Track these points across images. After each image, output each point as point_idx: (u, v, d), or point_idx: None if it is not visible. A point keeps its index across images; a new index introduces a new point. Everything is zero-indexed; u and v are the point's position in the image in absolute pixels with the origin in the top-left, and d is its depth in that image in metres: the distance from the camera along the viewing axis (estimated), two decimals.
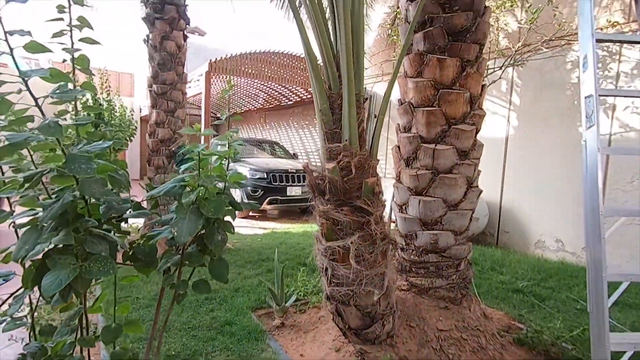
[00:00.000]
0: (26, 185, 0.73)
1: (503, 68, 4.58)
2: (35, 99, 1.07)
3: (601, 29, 4.30)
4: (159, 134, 4.88)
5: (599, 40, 1.96)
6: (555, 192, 4.87)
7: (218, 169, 1.02)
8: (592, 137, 1.81)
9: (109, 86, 6.55)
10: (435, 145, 2.39)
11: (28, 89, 1.09)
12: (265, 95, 10.86)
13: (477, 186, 2.56)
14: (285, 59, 7.77)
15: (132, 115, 6.70)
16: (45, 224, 0.70)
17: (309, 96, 9.63)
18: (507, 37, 4.73)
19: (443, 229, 2.45)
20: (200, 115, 7.62)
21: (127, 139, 5.55)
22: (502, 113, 5.49)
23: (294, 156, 9.63)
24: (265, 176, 7.16)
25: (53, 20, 1.15)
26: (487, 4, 2.52)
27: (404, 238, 2.61)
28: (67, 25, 1.16)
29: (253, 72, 7.51)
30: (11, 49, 0.89)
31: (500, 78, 4.74)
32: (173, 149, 4.91)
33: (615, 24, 4.24)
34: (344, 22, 1.92)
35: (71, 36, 1.42)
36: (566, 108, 4.74)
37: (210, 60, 6.84)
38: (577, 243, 4.64)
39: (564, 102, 4.78)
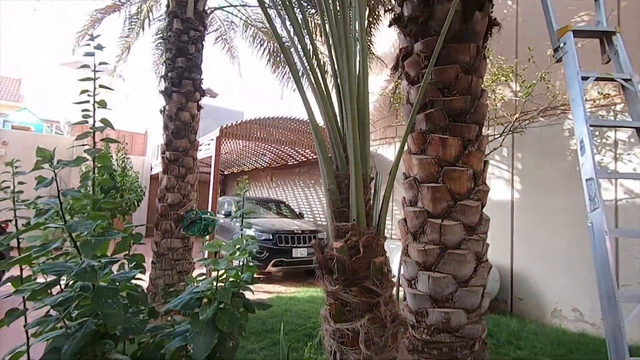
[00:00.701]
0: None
1: (503, 136, 4.75)
2: (59, 193, 1.14)
3: (593, 101, 4.51)
4: (169, 199, 4.98)
5: (592, 125, 2.07)
6: (567, 257, 4.76)
7: (236, 276, 1.05)
8: (598, 220, 1.83)
9: (125, 153, 6.83)
10: (442, 221, 2.41)
11: (56, 183, 1.18)
12: (273, 155, 11.20)
13: (487, 261, 2.54)
14: (292, 124, 8.14)
15: (141, 184, 6.88)
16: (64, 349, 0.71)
17: (315, 157, 9.91)
18: (504, 106, 4.97)
19: (454, 306, 2.38)
20: (209, 173, 7.83)
21: (136, 203, 5.66)
22: (506, 177, 5.57)
23: (300, 215, 9.66)
24: (271, 237, 7.12)
25: (80, 102, 1.29)
26: (484, 81, 2.70)
27: (415, 315, 2.53)
28: (91, 104, 1.33)
29: (262, 136, 7.84)
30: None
31: (501, 145, 4.90)
32: (181, 213, 4.98)
33: (607, 95, 4.46)
34: (351, 111, 2.06)
35: (94, 115, 1.58)
36: (569, 174, 4.82)
37: (222, 126, 7.19)
38: (595, 313, 4.43)
39: (566, 168, 4.87)
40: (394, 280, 2.28)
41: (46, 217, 0.93)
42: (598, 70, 2.20)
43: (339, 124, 2.23)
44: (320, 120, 2.26)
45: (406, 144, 2.71)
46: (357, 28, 2.43)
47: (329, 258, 2.11)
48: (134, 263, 1.18)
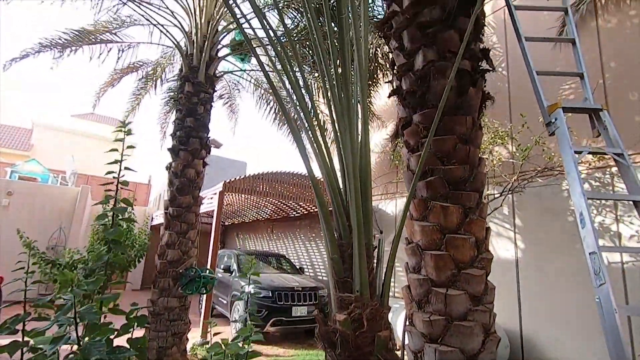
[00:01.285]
0: None
1: (503, 196, 4.81)
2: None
3: (589, 164, 4.63)
4: (169, 255, 4.93)
5: (590, 198, 2.12)
6: (577, 319, 4.58)
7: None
8: (606, 296, 1.80)
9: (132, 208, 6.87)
10: (447, 290, 2.38)
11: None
12: (274, 207, 11.24)
13: (495, 332, 2.45)
14: (295, 178, 8.28)
15: (144, 240, 6.87)
16: None
17: (316, 210, 9.94)
18: (502, 167, 5.09)
19: None
20: (210, 224, 7.81)
21: (136, 260, 5.60)
22: (508, 235, 5.55)
23: (300, 270, 9.45)
24: (270, 295, 6.91)
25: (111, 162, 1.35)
26: (481, 142, 2.81)
27: None
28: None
29: (264, 190, 7.94)
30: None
31: (501, 205, 4.94)
32: (180, 270, 4.89)
33: (601, 157, 4.59)
34: (354, 181, 2.13)
35: (119, 178, 1.65)
36: (571, 234, 4.80)
37: (225, 181, 7.32)
38: None
39: (568, 228, 4.87)
40: (399, 353, 2.19)
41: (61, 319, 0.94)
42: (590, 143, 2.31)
43: (342, 192, 2.29)
44: (320, 175, 2.33)
45: (408, 210, 2.75)
46: (358, 92, 2.60)
47: (331, 331, 2.05)
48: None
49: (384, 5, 4.12)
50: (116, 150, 1.71)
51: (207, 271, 4.97)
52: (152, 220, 13.98)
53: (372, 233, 2.25)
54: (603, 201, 4.54)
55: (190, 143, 5.30)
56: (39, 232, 10.41)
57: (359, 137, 2.31)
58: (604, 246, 2.16)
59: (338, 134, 2.29)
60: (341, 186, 2.33)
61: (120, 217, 1.71)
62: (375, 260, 2.37)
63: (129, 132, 1.56)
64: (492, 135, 4.81)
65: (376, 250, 2.51)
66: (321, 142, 2.55)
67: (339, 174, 2.35)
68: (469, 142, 2.63)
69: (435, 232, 2.51)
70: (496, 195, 4.95)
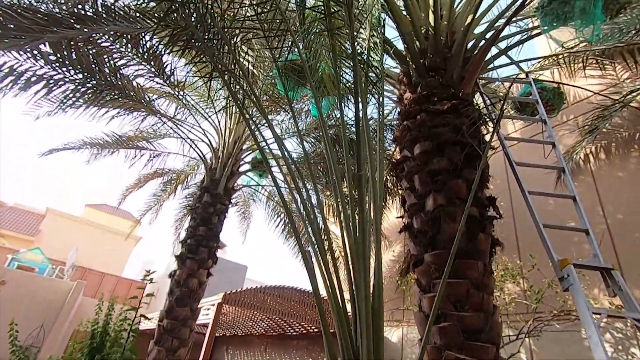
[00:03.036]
0: None
1: (520, 340, 4.49)
2: None
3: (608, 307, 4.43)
4: None
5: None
6: None
7: None
8: None
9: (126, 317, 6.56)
10: None
11: None
12: (271, 322, 10.51)
13: None
14: (299, 295, 7.96)
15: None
16: None
17: (316, 330, 9.24)
18: (515, 305, 4.89)
19: None
20: (203, 334, 7.21)
21: None
22: None
23: None
24: None
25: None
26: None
27: None
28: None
29: (266, 306, 7.57)
30: None
31: (518, 351, 4.58)
32: None
33: (620, 307, 4.40)
34: (365, 305, 2.07)
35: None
36: None
37: (225, 292, 7.07)
38: None
39: None
40: None
41: None
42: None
43: (348, 317, 2.19)
44: (325, 293, 2.24)
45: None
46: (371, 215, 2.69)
47: None
48: None
49: (396, 148, 4.59)
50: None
51: None
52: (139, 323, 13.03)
53: None
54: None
55: (199, 252, 5.32)
56: (22, 326, 9.71)
57: (372, 279, 2.33)
58: None
59: (348, 252, 2.32)
60: (349, 310, 2.24)
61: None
62: None
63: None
64: (503, 273, 4.75)
65: None
66: (329, 260, 2.57)
67: (346, 296, 2.28)
68: (481, 288, 2.61)
69: None
70: (512, 338, 4.62)
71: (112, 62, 4.97)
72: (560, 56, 4.56)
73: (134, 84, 5.49)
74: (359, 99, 2.83)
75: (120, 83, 5.15)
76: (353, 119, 3.27)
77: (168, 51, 4.83)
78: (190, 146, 6.42)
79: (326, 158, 3.90)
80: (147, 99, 5.53)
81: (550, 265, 3.90)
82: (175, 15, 3.05)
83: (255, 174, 6.92)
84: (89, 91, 4.78)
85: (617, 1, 2.99)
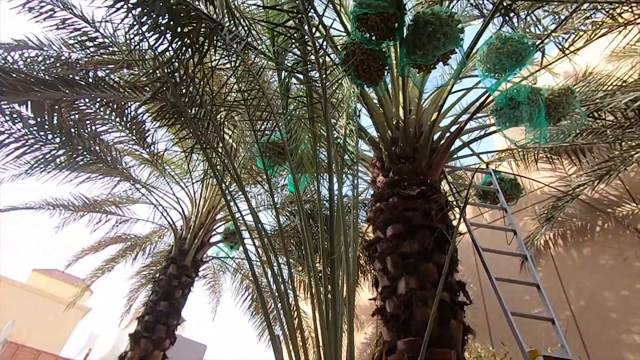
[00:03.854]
0: None
1: None
2: None
3: None
4: None
5: None
6: None
7: None
8: None
9: None
10: None
11: None
12: None
13: None
14: None
15: None
16: None
17: None
18: None
19: None
20: None
21: None
22: None
23: None
24: None
25: None
26: None
27: None
28: None
29: None
30: None
31: None
32: None
33: None
34: None
35: None
36: None
37: None
38: None
39: None
40: None
41: None
42: None
43: None
44: None
45: None
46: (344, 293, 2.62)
47: None
48: None
49: (368, 226, 4.71)
50: None
51: None
52: None
53: None
54: None
55: (156, 330, 4.88)
56: None
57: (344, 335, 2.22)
58: None
59: (319, 334, 2.21)
60: None
61: None
62: None
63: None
64: None
65: None
66: (299, 341, 2.43)
67: None
68: None
69: None
70: None
71: (93, 127, 5.04)
72: (515, 150, 5.08)
73: (112, 150, 5.52)
74: (334, 180, 2.99)
75: (98, 148, 5.16)
76: (328, 196, 3.42)
77: (156, 124, 4.98)
78: (162, 214, 6.28)
79: (301, 233, 3.93)
80: (124, 165, 5.53)
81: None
82: (166, 92, 3.24)
83: (226, 245, 6.74)
84: (63, 155, 4.73)
85: (557, 111, 3.47)
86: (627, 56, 5.16)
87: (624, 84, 4.23)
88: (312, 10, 2.55)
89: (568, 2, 3.10)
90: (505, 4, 3.23)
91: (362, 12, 2.86)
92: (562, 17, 3.50)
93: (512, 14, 3.36)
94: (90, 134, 5.01)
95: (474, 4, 3.33)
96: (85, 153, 4.80)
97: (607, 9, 3.17)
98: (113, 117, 5.08)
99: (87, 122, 4.95)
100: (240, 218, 5.67)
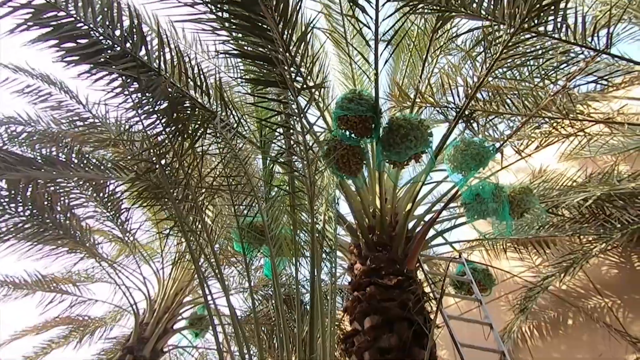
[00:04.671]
0: None
1: None
2: None
3: None
4: None
5: None
6: None
7: None
8: None
9: None
10: None
11: None
12: None
13: None
14: None
15: None
16: None
17: None
18: None
19: None
20: None
21: None
22: None
23: None
24: None
25: None
26: None
27: None
28: None
29: None
30: None
31: None
32: None
33: None
34: None
35: None
36: None
37: None
38: None
39: None
40: None
41: None
42: None
43: None
44: None
45: None
46: None
47: None
48: None
49: (344, 314, 4.58)
50: None
51: None
52: None
53: None
54: None
55: None
56: None
57: None
58: None
59: None
60: None
61: None
62: None
63: None
64: None
65: None
66: None
67: None
68: None
69: None
70: None
71: (67, 200, 4.92)
72: (485, 240, 5.31)
73: (83, 224, 5.33)
74: (315, 269, 3.00)
75: (68, 223, 4.98)
76: (304, 279, 3.37)
77: (133, 202, 4.95)
78: (124, 294, 5.85)
79: (275, 319, 3.73)
80: (92, 241, 5.29)
81: None
82: (151, 173, 3.31)
83: (191, 332, 6.23)
84: (30, 229, 4.53)
85: (519, 206, 3.78)
86: (574, 158, 5.82)
87: (574, 183, 4.71)
88: (298, 115, 2.83)
89: (518, 115, 3.59)
90: (466, 113, 3.71)
91: (343, 114, 3.20)
92: (516, 126, 4.02)
93: (472, 121, 3.84)
94: (63, 207, 4.88)
95: (440, 111, 3.80)
96: (54, 228, 4.61)
97: (551, 123, 3.69)
98: (89, 193, 5.02)
99: (62, 194, 4.85)
100: (211, 301, 5.39)
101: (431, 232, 4.36)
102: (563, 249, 5.17)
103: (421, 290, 3.41)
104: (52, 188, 4.66)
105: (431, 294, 3.62)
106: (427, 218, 4.30)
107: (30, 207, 4.40)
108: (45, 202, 4.57)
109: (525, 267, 5.93)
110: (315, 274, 2.99)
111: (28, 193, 4.27)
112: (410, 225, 4.23)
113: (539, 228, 4.88)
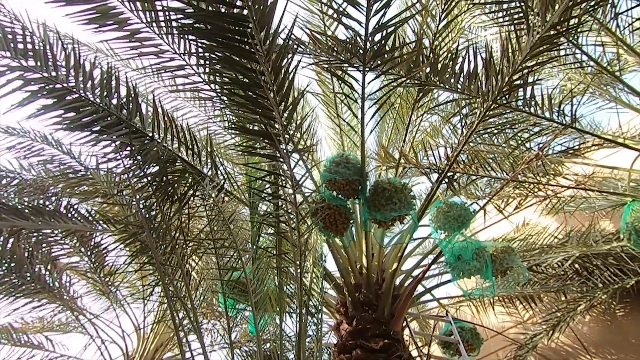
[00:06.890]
0: None
1: None
2: None
3: None
4: None
5: None
6: None
7: None
8: None
9: None
10: None
11: None
12: None
13: None
14: None
15: None
16: None
17: None
18: None
19: None
20: None
21: None
22: None
23: None
24: None
25: None
26: None
27: None
28: None
29: None
30: None
31: None
32: None
33: None
34: None
35: None
36: None
37: None
38: None
39: None
40: None
41: None
42: None
43: None
44: None
45: None
46: None
47: None
48: None
49: None
50: None
51: None
52: None
53: None
54: None
55: None
56: None
57: None
58: None
59: None
60: None
61: None
62: None
63: None
64: None
65: None
66: None
67: None
68: None
69: None
70: None
71: (49, 250, 4.81)
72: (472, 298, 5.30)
73: (63, 275, 5.16)
74: (301, 327, 2.96)
75: (47, 275, 4.82)
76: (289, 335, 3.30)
77: (119, 253, 4.87)
78: (99, 348, 5.54)
79: None
80: (71, 293, 5.10)
81: None
82: (141, 234, 3.31)
83: None
84: (6, 284, 4.38)
85: (502, 265, 3.85)
86: (555, 213, 6.01)
87: (555, 239, 4.84)
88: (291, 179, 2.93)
89: (496, 179, 3.78)
90: (448, 175, 3.88)
91: (331, 177, 3.33)
92: (497, 185, 4.19)
93: (454, 182, 4.01)
94: (44, 257, 4.76)
95: (423, 172, 3.97)
96: (31, 281, 4.46)
97: (527, 187, 3.87)
98: (73, 243, 4.93)
99: (44, 245, 4.76)
100: (191, 358, 5.15)
101: (419, 288, 4.36)
102: (550, 305, 5.19)
103: (407, 353, 3.36)
104: (34, 238, 4.57)
105: (418, 359, 3.56)
106: (414, 273, 4.32)
107: (9, 259, 4.30)
108: (26, 254, 4.46)
109: (514, 322, 5.88)
110: (301, 331, 2.95)
111: (9, 245, 4.18)
112: (398, 281, 4.23)
113: (525, 284, 4.93)
